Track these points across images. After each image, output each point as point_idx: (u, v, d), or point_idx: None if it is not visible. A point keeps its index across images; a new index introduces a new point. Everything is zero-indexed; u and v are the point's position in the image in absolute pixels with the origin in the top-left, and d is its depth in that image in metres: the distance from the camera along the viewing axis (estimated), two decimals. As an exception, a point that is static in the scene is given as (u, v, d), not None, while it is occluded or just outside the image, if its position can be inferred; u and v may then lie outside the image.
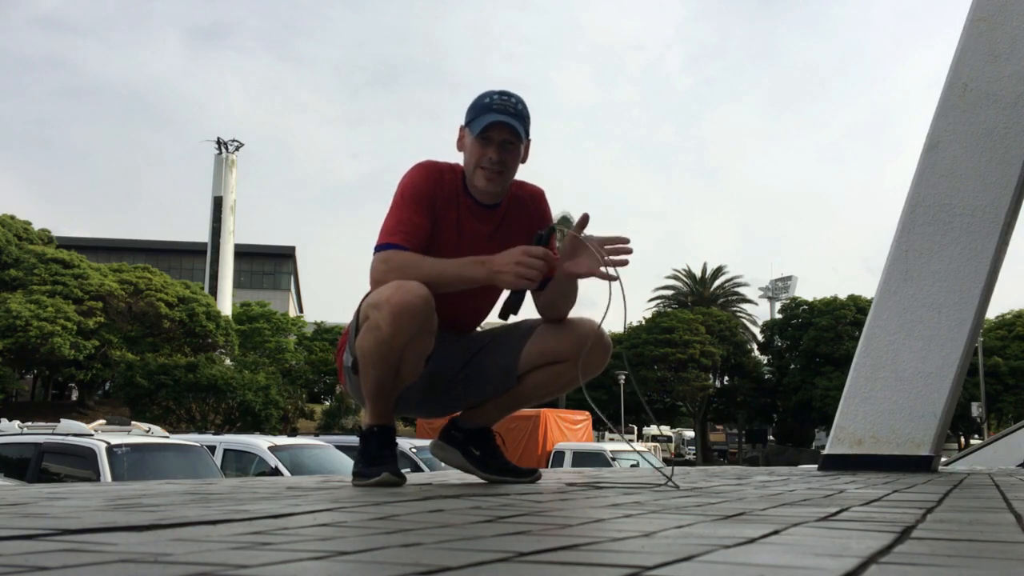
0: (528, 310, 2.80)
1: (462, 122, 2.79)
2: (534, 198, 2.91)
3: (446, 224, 2.72)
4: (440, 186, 2.72)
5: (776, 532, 1.34)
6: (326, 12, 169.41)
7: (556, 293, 2.75)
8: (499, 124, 2.67)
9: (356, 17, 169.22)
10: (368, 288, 2.80)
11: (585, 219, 2.66)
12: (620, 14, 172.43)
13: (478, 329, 3.02)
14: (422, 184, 2.70)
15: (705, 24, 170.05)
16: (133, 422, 20.11)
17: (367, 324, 2.54)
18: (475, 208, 2.77)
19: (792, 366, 50.51)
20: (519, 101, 2.74)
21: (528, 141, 2.79)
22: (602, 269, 2.57)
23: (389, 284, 2.51)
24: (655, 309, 56.61)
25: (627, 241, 2.61)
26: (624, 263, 2.58)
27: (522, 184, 2.90)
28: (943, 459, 6.43)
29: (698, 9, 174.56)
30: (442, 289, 2.57)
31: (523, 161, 2.80)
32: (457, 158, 2.82)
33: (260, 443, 10.80)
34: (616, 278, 2.56)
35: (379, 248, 2.64)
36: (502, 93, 2.73)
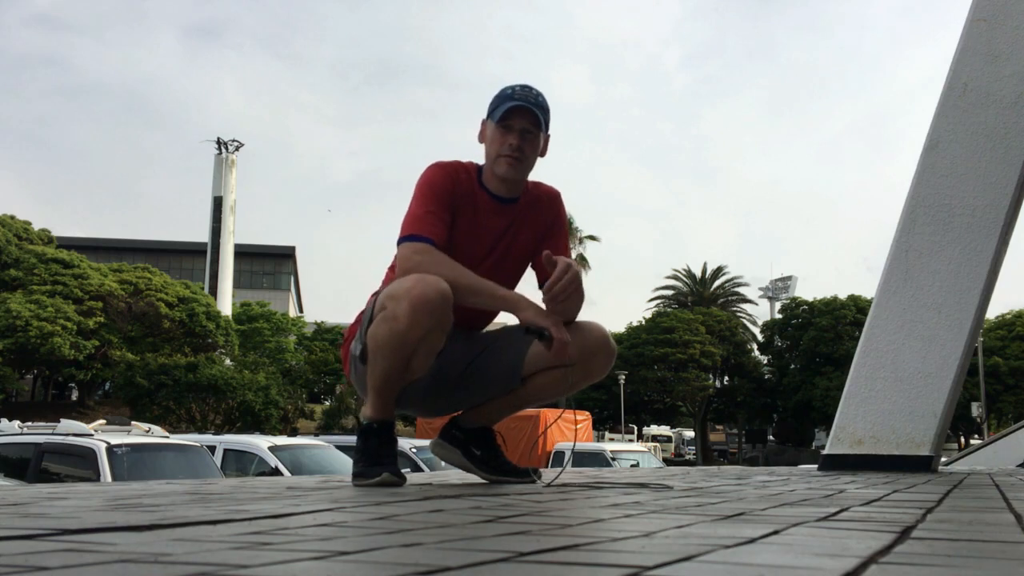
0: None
1: (484, 117, 2.84)
2: (551, 199, 2.94)
3: (463, 220, 2.75)
4: (457, 183, 2.75)
5: (776, 532, 1.34)
6: (322, 10, 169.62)
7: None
8: (520, 109, 2.73)
9: (352, 15, 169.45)
10: (383, 278, 2.82)
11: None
12: (617, 12, 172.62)
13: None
14: (440, 181, 2.73)
15: (703, 21, 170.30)
16: (133, 422, 20.06)
17: (383, 314, 2.52)
18: (491, 203, 2.80)
19: (792, 366, 50.46)
20: (540, 94, 2.80)
21: (548, 135, 2.84)
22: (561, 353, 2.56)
23: (410, 276, 2.52)
24: (655, 309, 56.63)
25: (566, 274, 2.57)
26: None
27: (539, 184, 2.94)
28: (943, 459, 6.43)
29: (695, 7, 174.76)
30: (468, 301, 2.58)
31: (542, 155, 2.85)
32: (470, 157, 2.87)
33: (260, 443, 10.79)
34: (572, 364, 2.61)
35: (407, 238, 2.64)
36: (523, 86, 2.80)
